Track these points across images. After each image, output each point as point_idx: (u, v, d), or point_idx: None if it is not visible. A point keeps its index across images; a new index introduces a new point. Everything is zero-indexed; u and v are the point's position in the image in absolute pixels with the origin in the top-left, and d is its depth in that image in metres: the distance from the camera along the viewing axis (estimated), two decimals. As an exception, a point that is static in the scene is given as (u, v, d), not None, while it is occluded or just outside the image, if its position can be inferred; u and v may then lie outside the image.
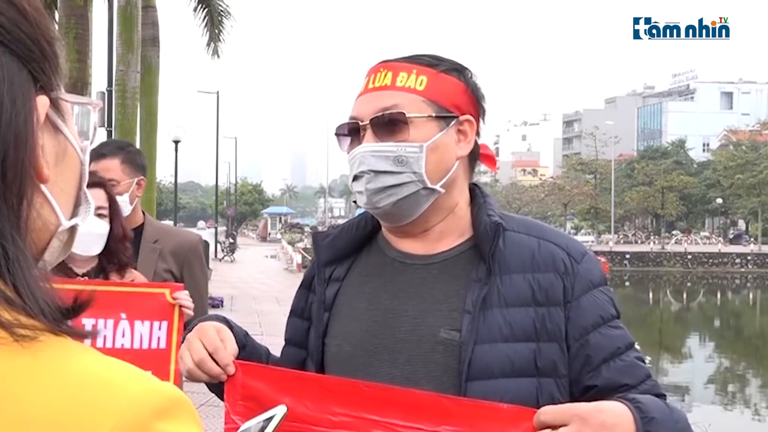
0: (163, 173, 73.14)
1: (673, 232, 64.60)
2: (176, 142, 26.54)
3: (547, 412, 1.23)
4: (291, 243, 40.05)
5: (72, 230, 0.73)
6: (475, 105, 1.52)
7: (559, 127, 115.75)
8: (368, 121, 1.47)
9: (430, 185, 1.45)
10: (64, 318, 0.64)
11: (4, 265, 0.61)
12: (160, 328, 2.57)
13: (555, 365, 1.40)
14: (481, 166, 1.64)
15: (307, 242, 37.53)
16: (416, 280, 1.49)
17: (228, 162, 63.04)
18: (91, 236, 2.66)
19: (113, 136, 13.16)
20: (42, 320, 0.62)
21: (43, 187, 0.67)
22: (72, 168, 0.72)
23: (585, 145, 73.14)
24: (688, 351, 20.81)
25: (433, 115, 1.46)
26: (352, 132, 1.51)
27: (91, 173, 2.88)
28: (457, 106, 1.49)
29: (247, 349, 1.53)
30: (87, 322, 2.46)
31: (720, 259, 48.34)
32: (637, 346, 1.46)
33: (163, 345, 2.57)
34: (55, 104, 0.69)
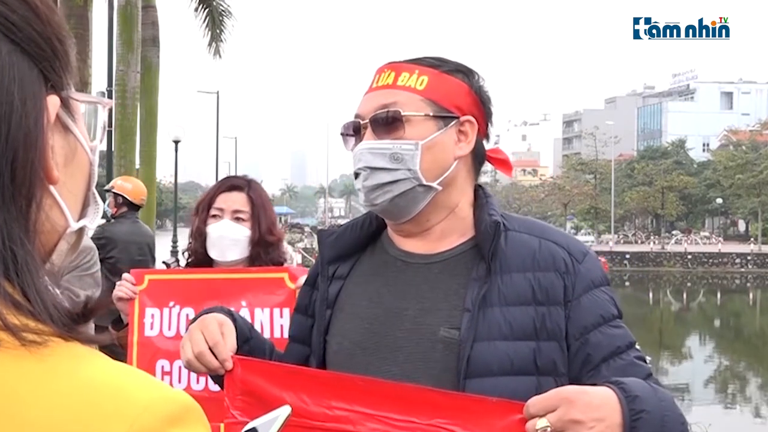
0: (163, 173, 73.15)
1: (673, 232, 64.58)
2: (176, 142, 26.55)
3: (535, 404, 1.24)
4: (291, 243, 40.08)
5: (80, 232, 0.72)
6: (480, 107, 1.52)
7: (559, 127, 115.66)
8: (368, 119, 1.50)
9: (425, 182, 1.47)
10: (74, 323, 0.63)
11: (13, 269, 0.60)
12: (281, 316, 2.41)
13: (555, 364, 1.41)
14: (487, 166, 1.64)
15: (307, 242, 37.54)
16: (418, 279, 1.50)
17: (228, 162, 63.01)
18: (226, 241, 2.58)
19: (113, 136, 13.17)
20: (51, 325, 0.61)
21: (52, 188, 0.66)
22: (81, 169, 0.71)
23: (585, 145, 73.08)
24: (688, 351, 20.82)
25: (431, 114, 1.48)
26: (356, 130, 1.53)
27: (233, 176, 2.81)
28: (459, 107, 1.50)
29: (251, 342, 1.55)
30: None
31: (720, 259, 48.31)
32: (637, 346, 1.46)
33: (287, 334, 2.40)
34: (65, 104, 0.68)
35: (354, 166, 1.52)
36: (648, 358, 1.47)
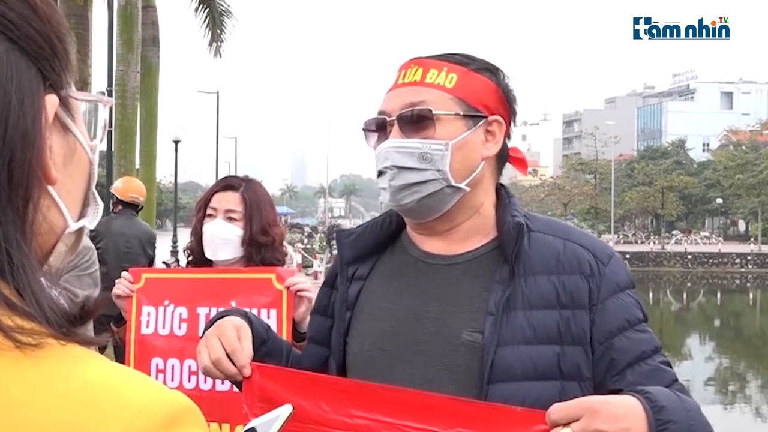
0: (163, 173, 73.22)
1: (673, 232, 64.47)
2: (176, 142, 26.55)
3: (557, 411, 1.20)
4: (291, 243, 40.02)
5: (79, 232, 0.71)
6: (506, 106, 1.51)
7: (559, 127, 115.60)
8: (395, 117, 1.46)
9: (454, 183, 1.44)
10: (71, 325, 0.63)
11: (8, 271, 0.60)
12: (269, 317, 2.40)
13: (579, 368, 1.38)
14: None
15: (307, 242, 37.49)
16: (439, 281, 1.47)
17: (228, 162, 62.98)
18: (217, 240, 2.59)
19: (113, 136, 13.17)
20: (47, 326, 0.60)
21: (50, 188, 0.65)
22: (81, 168, 0.70)
23: (585, 145, 73.01)
24: (688, 351, 20.79)
25: (461, 113, 1.45)
26: (380, 127, 1.49)
27: (231, 176, 2.83)
28: (487, 106, 1.47)
29: (268, 344, 1.52)
30: (201, 312, 2.47)
31: (720, 259, 48.22)
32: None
33: None
34: (64, 103, 0.67)
35: (378, 165, 1.47)
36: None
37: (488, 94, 1.48)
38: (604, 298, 1.41)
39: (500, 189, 1.54)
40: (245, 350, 1.45)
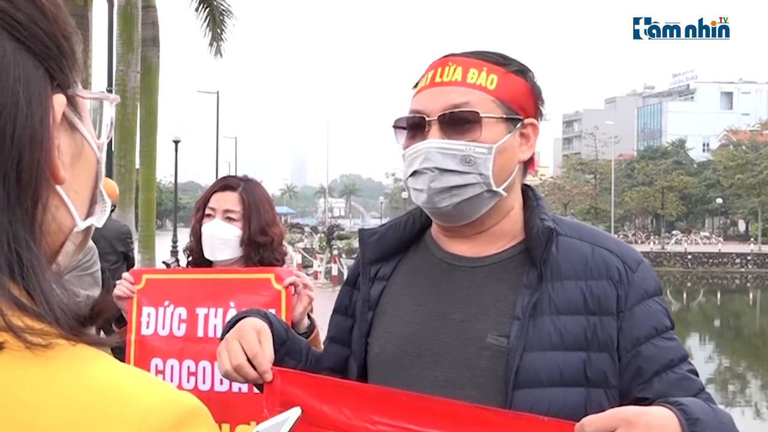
0: (163, 173, 73.33)
1: (673, 232, 64.46)
2: (176, 142, 26.56)
3: (591, 423, 1.18)
4: (291, 243, 39.98)
5: (86, 231, 0.71)
6: (536, 108, 1.49)
7: (559, 127, 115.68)
8: (436, 117, 1.42)
9: (494, 188, 1.42)
10: (80, 325, 0.63)
11: (18, 271, 0.60)
12: None
13: (605, 375, 1.37)
14: None
15: (306, 242, 37.46)
16: (464, 283, 1.45)
17: (228, 162, 62.99)
18: (216, 240, 2.60)
19: (113, 137, 13.18)
20: (56, 327, 0.60)
21: (58, 188, 0.65)
22: (88, 168, 0.70)
23: (585, 145, 73.20)
24: (688, 351, 20.77)
25: (503, 116, 1.43)
26: (414, 126, 1.45)
27: (230, 176, 2.82)
28: (523, 109, 1.45)
29: (288, 344, 1.51)
30: (200, 312, 2.47)
31: (720, 259, 48.20)
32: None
33: None
34: (71, 102, 0.67)
35: (415, 165, 1.43)
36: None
37: (524, 96, 1.46)
38: (632, 305, 1.39)
39: (527, 190, 1.52)
40: (266, 354, 1.43)
